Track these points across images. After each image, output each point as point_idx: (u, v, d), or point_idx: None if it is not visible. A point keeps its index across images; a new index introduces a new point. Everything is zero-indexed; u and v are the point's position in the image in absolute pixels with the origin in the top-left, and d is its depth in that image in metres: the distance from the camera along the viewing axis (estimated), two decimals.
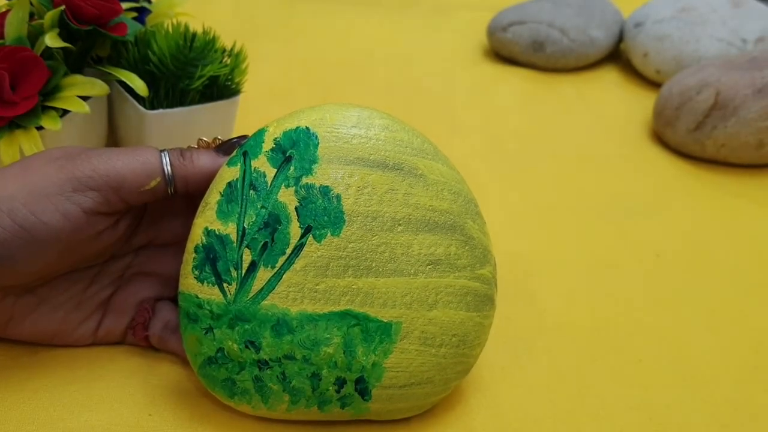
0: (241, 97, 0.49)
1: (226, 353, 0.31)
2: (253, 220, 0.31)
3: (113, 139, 0.50)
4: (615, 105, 0.68)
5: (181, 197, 0.35)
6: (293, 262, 0.31)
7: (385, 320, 0.31)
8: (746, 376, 0.40)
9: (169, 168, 0.33)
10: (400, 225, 0.32)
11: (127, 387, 0.35)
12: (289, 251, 0.31)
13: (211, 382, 0.32)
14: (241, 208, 0.31)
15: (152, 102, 0.45)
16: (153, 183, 0.33)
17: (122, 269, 0.37)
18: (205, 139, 0.35)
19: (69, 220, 0.31)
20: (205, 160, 0.34)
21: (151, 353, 0.37)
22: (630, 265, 0.47)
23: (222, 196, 0.32)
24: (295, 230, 0.31)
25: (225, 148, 0.34)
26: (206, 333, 0.31)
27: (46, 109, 0.41)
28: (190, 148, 0.34)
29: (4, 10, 0.42)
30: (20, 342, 0.36)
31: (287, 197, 0.31)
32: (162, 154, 0.33)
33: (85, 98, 0.42)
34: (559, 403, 0.37)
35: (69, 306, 0.35)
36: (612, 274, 0.46)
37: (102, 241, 0.34)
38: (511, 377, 0.38)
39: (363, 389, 0.32)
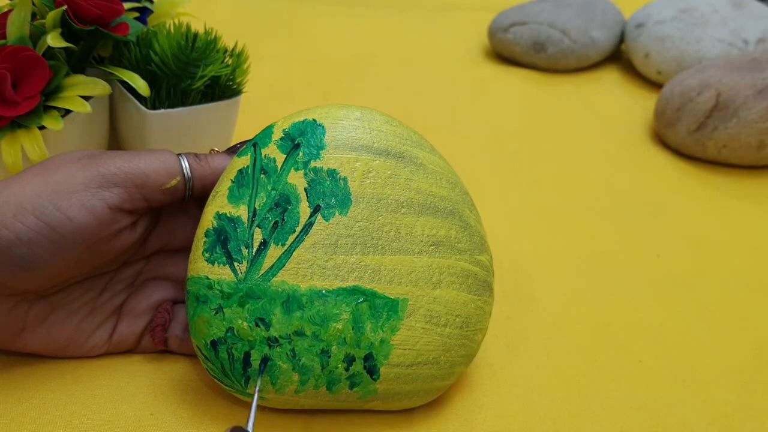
0: (242, 98, 0.49)
1: (235, 332, 0.32)
2: (264, 201, 0.33)
3: (115, 138, 0.50)
4: (616, 106, 0.68)
5: (194, 202, 0.36)
6: (303, 240, 0.32)
7: (392, 297, 0.32)
8: (747, 376, 0.40)
9: (187, 168, 0.34)
10: (403, 207, 0.34)
11: (129, 386, 0.35)
12: (298, 229, 0.32)
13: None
14: (252, 191, 0.33)
15: (154, 102, 0.45)
16: (173, 182, 0.34)
17: (135, 275, 0.37)
18: (216, 149, 0.37)
19: (94, 215, 0.32)
20: (219, 161, 0.35)
21: (153, 353, 0.37)
22: (631, 266, 0.47)
23: (233, 182, 0.33)
24: (304, 210, 0.33)
25: (237, 149, 0.35)
26: (216, 313, 0.32)
27: (48, 108, 0.41)
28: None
29: (6, 9, 0.43)
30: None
31: (297, 179, 0.33)
32: (179, 156, 0.35)
33: (86, 98, 0.42)
34: (559, 403, 0.37)
35: (83, 313, 0.35)
36: (613, 275, 0.46)
37: (120, 242, 0.34)
38: (512, 377, 0.38)
39: (371, 367, 0.32)
